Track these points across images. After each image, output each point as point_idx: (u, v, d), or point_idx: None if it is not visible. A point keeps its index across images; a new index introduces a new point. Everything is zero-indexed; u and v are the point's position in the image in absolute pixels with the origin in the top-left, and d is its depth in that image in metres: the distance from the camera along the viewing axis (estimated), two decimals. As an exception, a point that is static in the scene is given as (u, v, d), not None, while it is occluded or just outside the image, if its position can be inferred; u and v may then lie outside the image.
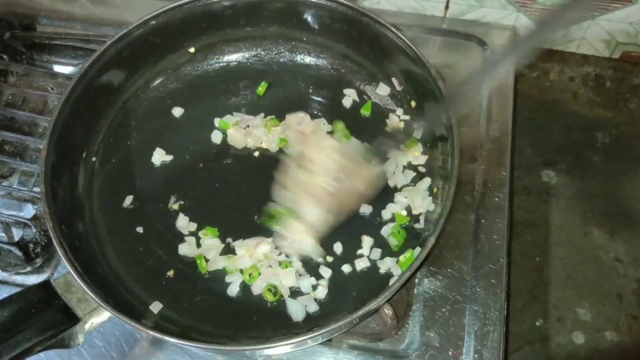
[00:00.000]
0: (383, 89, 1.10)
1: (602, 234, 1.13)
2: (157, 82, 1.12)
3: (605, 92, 1.26)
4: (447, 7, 1.25)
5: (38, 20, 1.26)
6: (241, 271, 0.95)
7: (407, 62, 1.01)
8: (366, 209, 0.99)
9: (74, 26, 1.25)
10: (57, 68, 1.19)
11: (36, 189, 1.03)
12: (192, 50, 1.13)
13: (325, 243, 0.96)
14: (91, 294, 0.82)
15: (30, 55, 1.19)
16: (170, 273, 0.96)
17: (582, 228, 1.14)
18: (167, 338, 0.82)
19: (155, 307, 0.92)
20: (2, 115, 1.11)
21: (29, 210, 1.04)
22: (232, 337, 0.90)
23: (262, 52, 1.15)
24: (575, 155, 1.20)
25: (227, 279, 0.95)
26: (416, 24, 1.23)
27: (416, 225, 0.98)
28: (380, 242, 0.97)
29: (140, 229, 1.00)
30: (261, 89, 1.12)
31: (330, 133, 1.05)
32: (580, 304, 1.08)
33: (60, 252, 0.85)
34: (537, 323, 1.07)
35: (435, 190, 0.99)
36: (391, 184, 1.02)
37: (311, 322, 0.91)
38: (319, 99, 1.11)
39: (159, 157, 1.06)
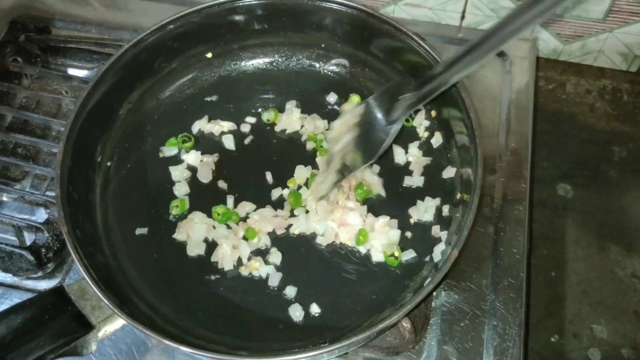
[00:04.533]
0: (403, 98, 1.09)
1: (619, 250, 1.12)
2: (173, 87, 1.12)
3: (622, 105, 1.25)
4: (463, 17, 1.25)
5: (53, 23, 1.25)
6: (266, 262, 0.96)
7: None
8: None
9: (90, 30, 1.25)
10: (72, 71, 1.18)
11: (49, 193, 1.01)
12: (209, 55, 1.12)
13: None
14: (106, 301, 0.80)
15: (45, 58, 1.18)
16: (186, 280, 0.95)
17: (599, 243, 1.12)
18: (182, 347, 0.80)
19: None
20: (15, 118, 1.10)
21: (41, 215, 1.03)
22: (247, 348, 0.89)
23: (280, 59, 1.14)
24: (592, 169, 1.19)
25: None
26: (432, 33, 1.22)
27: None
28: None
29: (154, 235, 0.98)
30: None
31: None
32: (596, 321, 1.07)
33: (75, 257, 0.84)
34: (553, 339, 1.06)
35: (459, 196, 0.97)
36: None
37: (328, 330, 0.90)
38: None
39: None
